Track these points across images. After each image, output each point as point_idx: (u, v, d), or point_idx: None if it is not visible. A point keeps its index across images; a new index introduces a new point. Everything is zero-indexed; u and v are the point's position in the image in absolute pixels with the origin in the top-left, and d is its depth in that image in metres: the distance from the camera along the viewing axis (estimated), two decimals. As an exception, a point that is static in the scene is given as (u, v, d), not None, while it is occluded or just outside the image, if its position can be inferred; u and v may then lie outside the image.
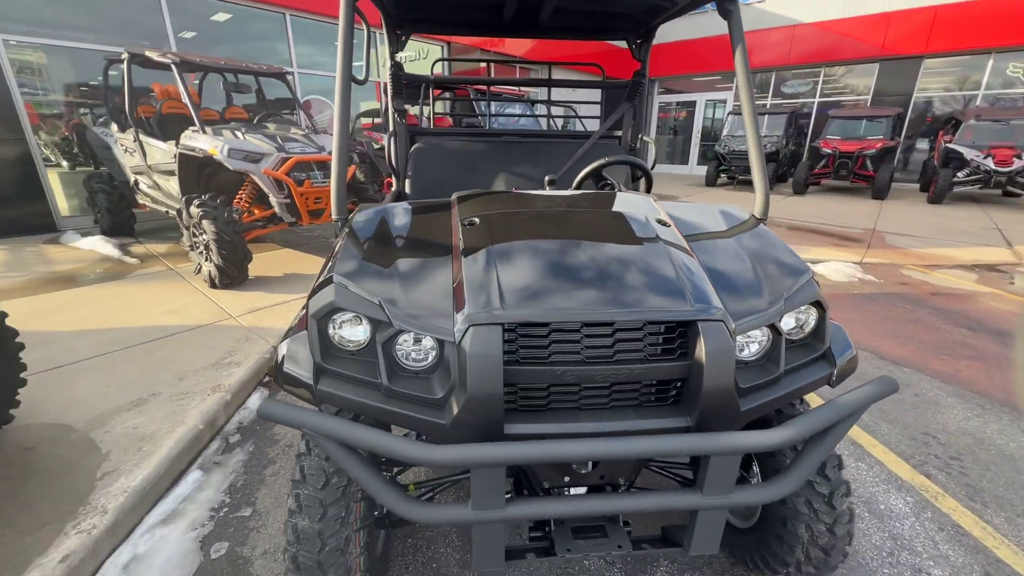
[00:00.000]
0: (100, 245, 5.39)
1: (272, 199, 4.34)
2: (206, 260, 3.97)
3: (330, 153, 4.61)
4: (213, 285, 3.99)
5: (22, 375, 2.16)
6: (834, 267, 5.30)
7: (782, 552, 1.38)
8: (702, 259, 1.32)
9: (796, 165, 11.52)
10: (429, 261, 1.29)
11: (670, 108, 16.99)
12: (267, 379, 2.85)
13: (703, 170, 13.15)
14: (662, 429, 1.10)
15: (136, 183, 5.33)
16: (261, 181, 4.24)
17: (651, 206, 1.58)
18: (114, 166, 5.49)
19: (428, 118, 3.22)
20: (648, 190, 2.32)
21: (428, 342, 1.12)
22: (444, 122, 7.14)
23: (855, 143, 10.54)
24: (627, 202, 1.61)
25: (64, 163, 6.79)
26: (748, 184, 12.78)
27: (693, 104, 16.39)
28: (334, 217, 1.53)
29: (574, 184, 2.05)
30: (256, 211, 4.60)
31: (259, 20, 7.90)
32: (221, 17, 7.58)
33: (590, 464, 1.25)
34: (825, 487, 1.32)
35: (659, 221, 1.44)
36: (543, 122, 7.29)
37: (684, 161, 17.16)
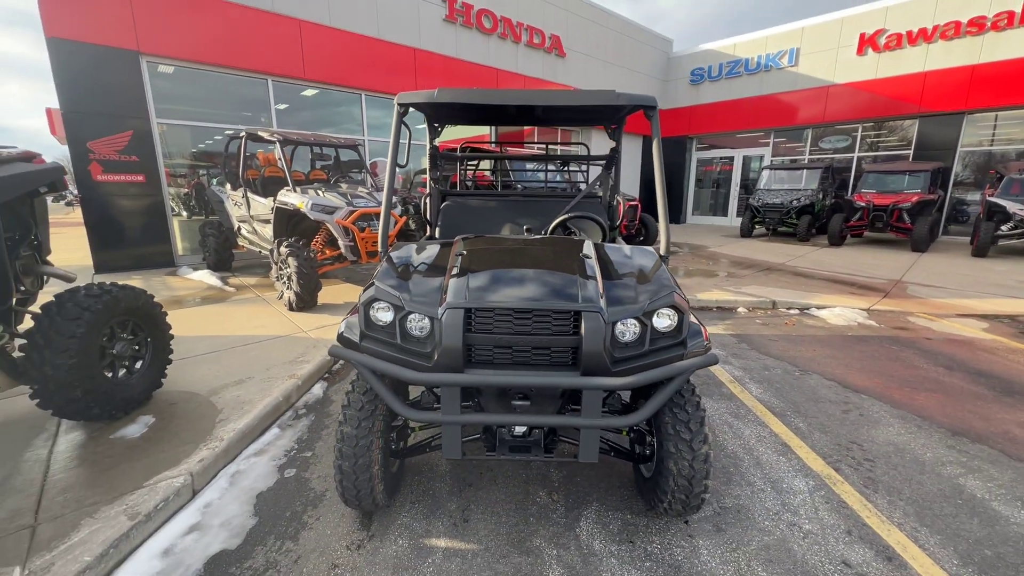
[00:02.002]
0: (207, 277, 6.78)
1: (340, 242, 5.47)
2: (287, 288, 5.08)
3: (387, 206, 5.74)
4: (291, 308, 5.07)
5: (169, 356, 3.17)
6: (838, 312, 5.60)
7: (662, 484, 1.98)
8: (609, 278, 2.04)
9: (834, 218, 11.66)
10: (432, 275, 2.10)
11: (714, 162, 17.59)
12: (327, 375, 3.74)
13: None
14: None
15: (239, 229, 6.74)
16: (333, 228, 5.39)
17: (586, 247, 2.33)
18: (224, 216, 6.98)
19: (460, 182, 4.22)
20: (604, 238, 3.05)
21: (425, 321, 1.91)
22: (485, 177, 8.37)
23: (890, 196, 10.64)
24: (569, 244, 2.37)
25: (184, 213, 8.53)
26: (784, 235, 12.96)
27: (732, 159, 16.96)
28: (380, 250, 2.41)
29: (548, 231, 2.84)
30: (328, 251, 5.75)
31: (340, 94, 9.65)
32: (309, 93, 9.39)
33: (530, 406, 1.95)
34: (687, 435, 1.93)
35: (584, 255, 2.19)
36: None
37: (725, 213, 17.53)
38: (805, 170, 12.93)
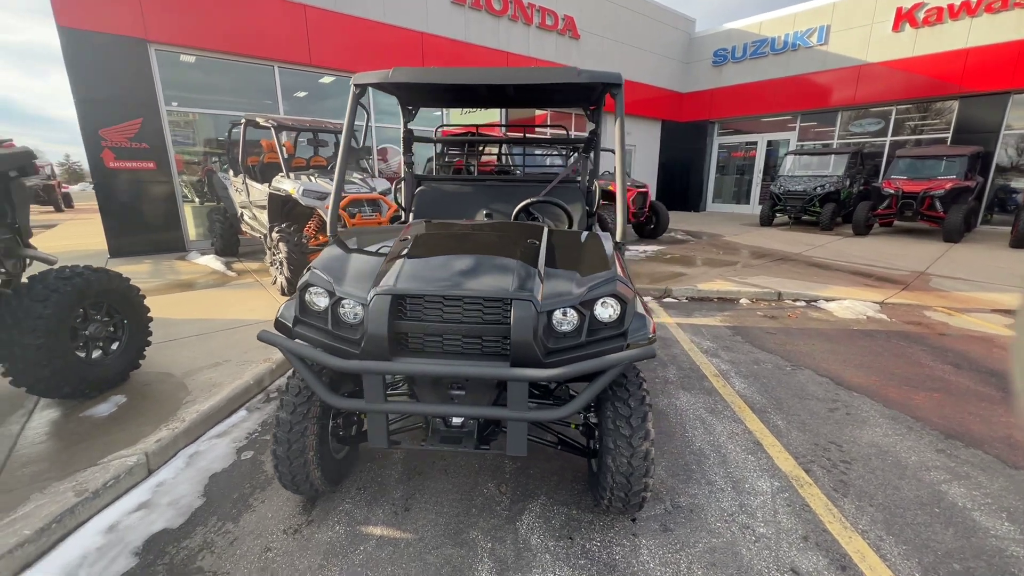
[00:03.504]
0: (212, 262, 6.95)
1: (333, 228, 5.48)
2: (280, 273, 5.14)
3: (381, 193, 5.72)
4: (283, 292, 5.13)
5: (148, 339, 3.23)
6: (847, 305, 5.31)
7: (602, 480, 1.89)
8: (555, 265, 1.95)
9: (861, 205, 11.05)
10: (372, 261, 2.05)
11: (739, 148, 16.91)
12: (305, 359, 3.77)
13: (763, 209, 12.93)
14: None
15: (242, 215, 6.86)
16: (324, 214, 5.40)
17: (540, 231, 2.23)
18: (229, 202, 7.10)
19: (435, 167, 4.14)
20: (570, 224, 2.92)
21: (359, 307, 1.86)
22: (491, 163, 8.25)
23: (921, 183, 10.00)
24: (522, 229, 2.27)
25: (196, 200, 8.73)
26: (806, 224, 12.41)
27: (755, 144, 16.27)
28: (328, 236, 2.37)
29: (512, 217, 2.74)
30: (320, 237, 5.77)
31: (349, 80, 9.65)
32: (327, 80, 9.43)
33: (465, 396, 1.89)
34: (627, 431, 1.83)
35: (531, 241, 2.09)
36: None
37: (747, 200, 16.88)
38: (832, 155, 12.28)
